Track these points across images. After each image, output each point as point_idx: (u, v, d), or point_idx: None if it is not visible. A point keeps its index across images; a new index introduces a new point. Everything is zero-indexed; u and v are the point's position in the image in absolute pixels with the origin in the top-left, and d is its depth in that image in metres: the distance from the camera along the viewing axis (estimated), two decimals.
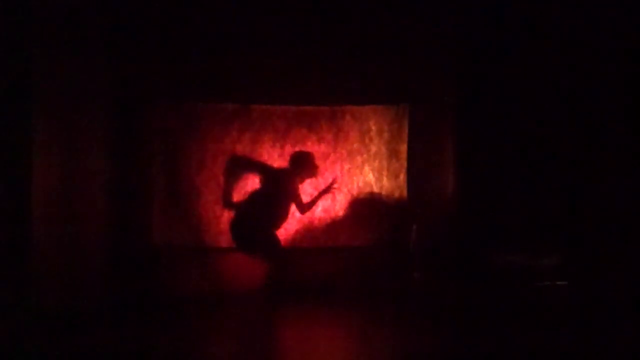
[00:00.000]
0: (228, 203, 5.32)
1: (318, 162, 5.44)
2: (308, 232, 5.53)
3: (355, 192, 5.61)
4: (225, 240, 5.32)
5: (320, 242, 5.55)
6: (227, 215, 5.33)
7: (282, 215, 5.20)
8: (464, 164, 5.48)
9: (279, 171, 5.36)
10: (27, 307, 4.05)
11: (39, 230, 4.17)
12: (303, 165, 5.26)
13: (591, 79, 5.21)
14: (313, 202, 5.31)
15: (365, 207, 5.61)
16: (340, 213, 5.58)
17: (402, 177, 5.65)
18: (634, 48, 4.93)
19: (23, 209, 4.09)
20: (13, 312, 3.93)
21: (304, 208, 5.22)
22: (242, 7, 5.27)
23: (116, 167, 5.06)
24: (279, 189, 5.19)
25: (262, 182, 5.31)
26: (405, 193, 5.63)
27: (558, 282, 5.24)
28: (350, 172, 5.60)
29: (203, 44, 5.31)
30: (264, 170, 5.37)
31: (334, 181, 5.41)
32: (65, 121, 4.53)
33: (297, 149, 5.44)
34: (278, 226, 5.20)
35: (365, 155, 5.62)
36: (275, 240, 5.18)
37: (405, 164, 5.64)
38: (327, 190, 5.36)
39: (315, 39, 5.42)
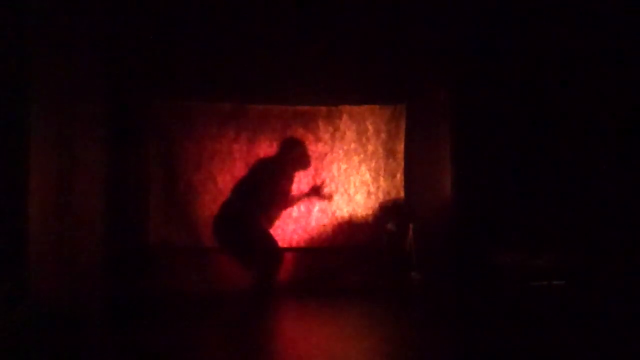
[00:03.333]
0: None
1: (315, 162, 5.47)
2: (305, 232, 5.53)
3: (352, 191, 5.61)
4: None
5: (316, 242, 5.56)
6: None
7: (274, 208, 5.14)
8: (461, 164, 5.48)
9: (269, 158, 5.28)
10: (24, 306, 4.03)
11: (35, 229, 4.15)
12: (295, 152, 5.21)
13: (590, 78, 5.21)
14: (296, 199, 5.31)
15: (362, 206, 5.61)
16: (337, 213, 5.58)
17: (399, 176, 5.66)
18: (633, 46, 4.93)
19: (20, 208, 4.07)
20: (10, 311, 3.91)
21: (286, 201, 5.18)
22: (239, 7, 5.28)
23: (113, 167, 5.05)
24: (269, 176, 5.09)
25: (250, 170, 5.21)
26: (402, 193, 5.64)
27: (555, 282, 5.23)
28: (347, 172, 5.60)
29: (200, 43, 5.32)
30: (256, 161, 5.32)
31: (322, 183, 5.44)
32: (62, 120, 4.51)
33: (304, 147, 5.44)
34: (271, 220, 5.16)
35: (362, 155, 5.63)
36: (270, 239, 5.12)
37: (402, 163, 5.66)
38: (315, 192, 5.39)
39: (311, 39, 5.43)
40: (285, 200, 5.20)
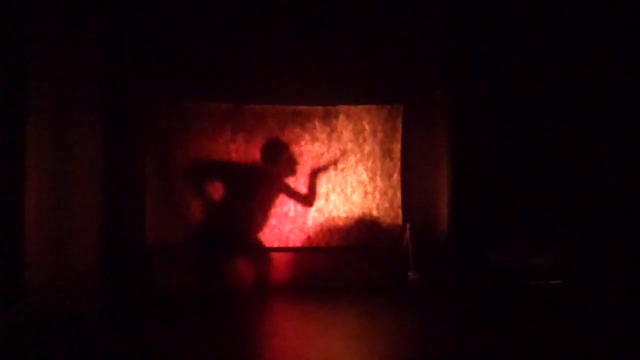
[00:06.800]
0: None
1: (312, 161, 5.48)
2: (301, 232, 5.53)
3: (349, 191, 5.61)
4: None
5: (313, 242, 5.55)
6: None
7: (264, 217, 5.35)
8: (458, 163, 5.49)
9: (254, 171, 5.41)
10: (22, 307, 4.02)
11: (33, 230, 4.15)
12: (277, 159, 5.39)
13: (588, 77, 5.21)
14: (313, 190, 5.41)
15: (358, 206, 5.61)
16: (334, 213, 5.58)
17: (396, 176, 5.66)
18: (631, 45, 4.94)
19: (18, 209, 4.07)
20: (7, 312, 3.90)
21: (307, 200, 5.36)
22: (236, 7, 5.28)
23: (110, 167, 5.05)
24: (262, 189, 5.31)
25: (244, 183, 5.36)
26: (399, 192, 5.64)
27: (552, 282, 5.24)
28: (344, 172, 5.60)
29: (197, 43, 5.32)
30: (238, 170, 5.41)
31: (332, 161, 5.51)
32: (59, 120, 4.52)
33: (290, 148, 5.47)
34: (260, 228, 5.33)
35: (359, 155, 5.63)
36: (259, 241, 5.22)
37: (398, 163, 5.65)
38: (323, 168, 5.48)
39: (308, 39, 5.43)
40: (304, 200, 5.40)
